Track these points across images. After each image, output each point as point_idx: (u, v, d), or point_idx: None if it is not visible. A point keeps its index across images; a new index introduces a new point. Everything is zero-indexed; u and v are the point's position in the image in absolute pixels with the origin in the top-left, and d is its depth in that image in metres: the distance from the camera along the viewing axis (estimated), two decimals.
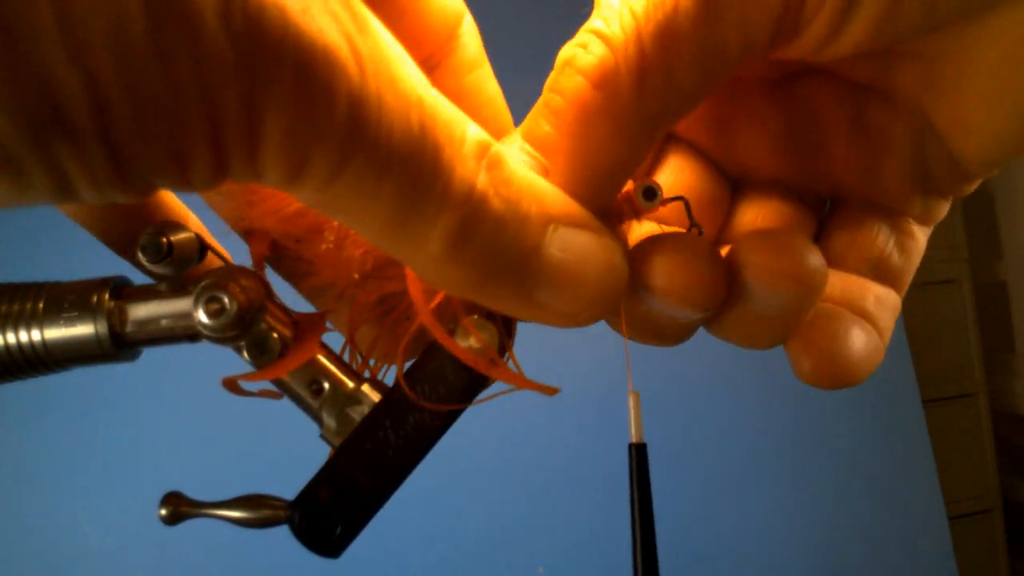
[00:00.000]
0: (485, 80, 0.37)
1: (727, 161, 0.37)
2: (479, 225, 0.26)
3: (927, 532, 1.49)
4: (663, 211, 0.33)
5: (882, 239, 0.35)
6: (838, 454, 1.46)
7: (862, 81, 0.33)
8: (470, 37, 0.37)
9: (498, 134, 0.32)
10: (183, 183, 0.22)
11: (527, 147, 0.31)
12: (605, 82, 0.27)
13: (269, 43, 0.20)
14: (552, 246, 0.28)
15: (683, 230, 0.34)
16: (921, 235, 0.36)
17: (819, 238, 0.37)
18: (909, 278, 0.36)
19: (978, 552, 1.79)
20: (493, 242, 0.26)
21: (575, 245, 0.28)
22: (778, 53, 0.28)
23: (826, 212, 0.37)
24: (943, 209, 0.35)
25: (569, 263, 0.28)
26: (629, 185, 0.33)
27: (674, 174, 0.36)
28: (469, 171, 0.25)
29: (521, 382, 0.34)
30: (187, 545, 1.11)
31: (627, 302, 0.32)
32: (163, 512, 0.35)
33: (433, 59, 0.36)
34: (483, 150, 0.26)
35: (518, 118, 0.34)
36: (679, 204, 0.33)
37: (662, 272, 0.30)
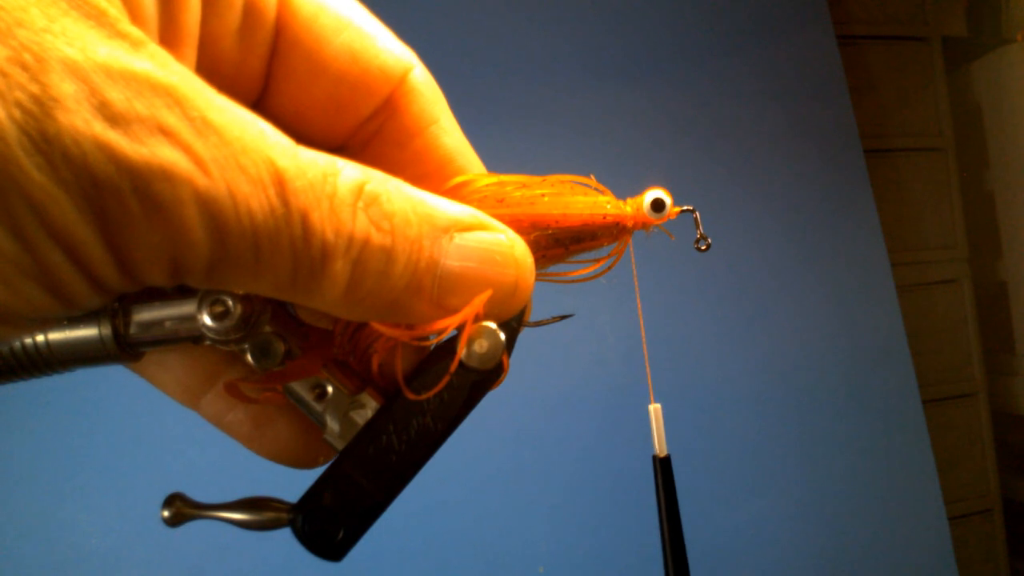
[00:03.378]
0: (440, 135, 0.36)
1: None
2: (369, 264, 0.27)
3: (927, 532, 1.49)
4: None
5: None
6: (839, 455, 1.46)
7: None
8: (421, 91, 0.36)
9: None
10: (71, 305, 0.23)
11: None
12: None
13: (101, 180, 0.21)
14: (450, 255, 0.30)
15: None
16: None
17: None
18: None
19: (978, 552, 1.79)
20: (389, 272, 0.28)
21: (472, 248, 0.30)
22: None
23: None
24: None
25: (469, 266, 0.30)
26: (628, 203, 0.33)
27: None
28: (344, 221, 0.26)
29: None
30: (187, 546, 1.11)
31: None
32: (166, 514, 0.34)
33: (374, 122, 0.35)
34: (358, 192, 0.27)
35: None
36: None
37: None
